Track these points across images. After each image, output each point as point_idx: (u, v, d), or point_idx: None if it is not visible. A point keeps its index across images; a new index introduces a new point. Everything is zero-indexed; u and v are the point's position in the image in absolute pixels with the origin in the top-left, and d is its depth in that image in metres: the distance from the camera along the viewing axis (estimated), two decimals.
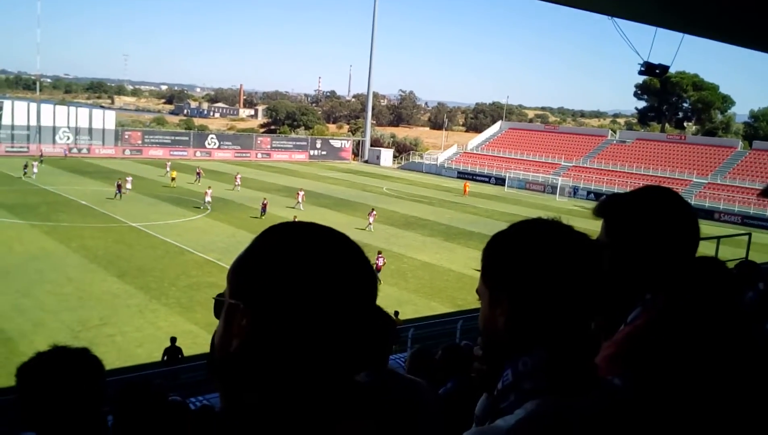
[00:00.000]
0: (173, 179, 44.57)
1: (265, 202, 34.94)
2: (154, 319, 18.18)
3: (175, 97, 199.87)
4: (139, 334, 17.03)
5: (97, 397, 1.90)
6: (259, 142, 74.33)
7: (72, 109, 64.16)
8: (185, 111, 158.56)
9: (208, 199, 36.20)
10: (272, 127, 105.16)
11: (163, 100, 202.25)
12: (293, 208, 37.28)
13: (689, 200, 51.14)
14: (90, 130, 61.56)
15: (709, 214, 48.93)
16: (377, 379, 2.44)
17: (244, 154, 70.34)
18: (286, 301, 0.82)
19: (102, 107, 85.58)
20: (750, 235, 10.23)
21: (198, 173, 47.58)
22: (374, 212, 34.56)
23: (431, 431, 2.32)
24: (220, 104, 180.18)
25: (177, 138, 69.26)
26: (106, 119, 63.69)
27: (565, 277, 1.14)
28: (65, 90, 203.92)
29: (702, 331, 1.48)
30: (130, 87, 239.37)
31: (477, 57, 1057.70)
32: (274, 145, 74.41)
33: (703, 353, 1.45)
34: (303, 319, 0.82)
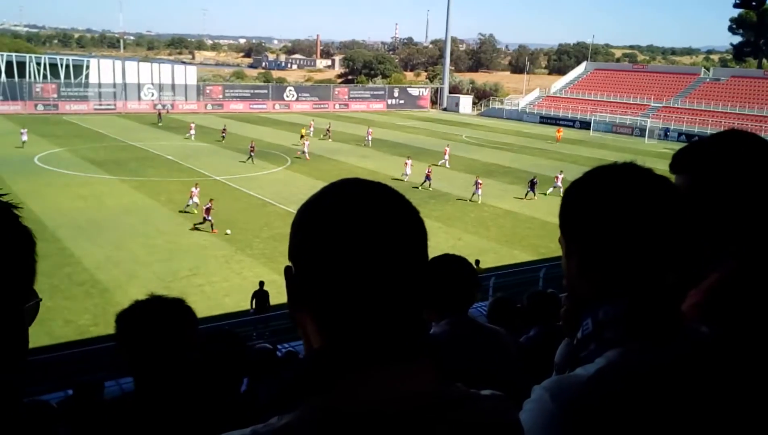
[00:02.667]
0: (302, 137, 42.48)
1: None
2: (240, 269, 18.58)
3: (253, 50, 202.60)
4: (226, 284, 17.45)
5: (189, 344, 1.98)
6: (336, 92, 74.32)
7: (155, 65, 66.10)
8: (263, 64, 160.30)
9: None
10: (349, 77, 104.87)
11: (241, 54, 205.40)
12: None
13: None
14: (173, 86, 63.31)
15: None
16: (453, 328, 2.48)
17: (321, 106, 70.57)
18: (315, 257, 0.87)
19: (183, 63, 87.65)
20: None
21: (328, 131, 46.84)
22: (561, 175, 29.58)
23: (510, 378, 2.24)
24: (297, 56, 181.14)
25: (256, 91, 70.20)
26: (187, 75, 65.23)
27: (636, 224, 1.11)
28: (147, 47, 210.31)
29: None
30: (210, 41, 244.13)
31: None
32: (351, 96, 74.26)
33: None
34: (332, 272, 0.86)
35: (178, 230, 22.09)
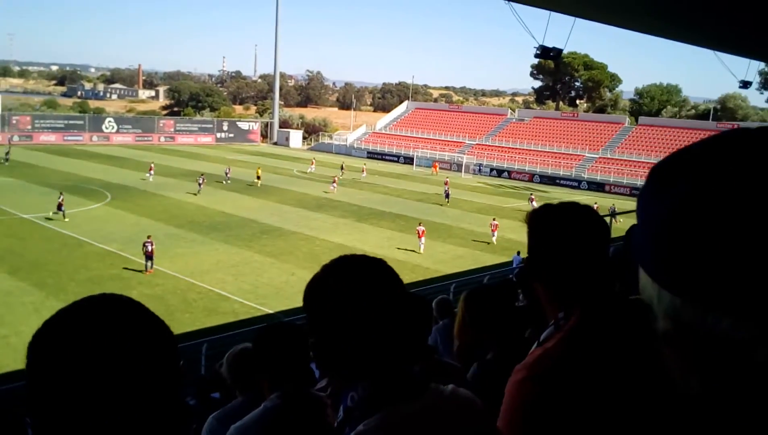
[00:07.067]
0: (258, 177, 42.87)
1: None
2: None
3: (67, 78, 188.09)
4: None
5: None
6: (161, 124, 71.43)
7: None
8: (79, 93, 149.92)
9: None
10: (175, 109, 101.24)
11: (53, 82, 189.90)
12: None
13: (583, 174, 54.81)
14: None
15: (601, 187, 52.66)
16: (283, 401, 2.33)
17: (145, 138, 67.41)
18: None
19: None
20: None
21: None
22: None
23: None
24: (117, 85, 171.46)
25: (71, 122, 65.45)
26: None
27: (360, 313, 1.19)
28: None
29: (607, 351, 1.38)
30: (17, 68, 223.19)
31: (382, 37, 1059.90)
32: (178, 128, 71.73)
33: (608, 375, 1.34)
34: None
35: None
